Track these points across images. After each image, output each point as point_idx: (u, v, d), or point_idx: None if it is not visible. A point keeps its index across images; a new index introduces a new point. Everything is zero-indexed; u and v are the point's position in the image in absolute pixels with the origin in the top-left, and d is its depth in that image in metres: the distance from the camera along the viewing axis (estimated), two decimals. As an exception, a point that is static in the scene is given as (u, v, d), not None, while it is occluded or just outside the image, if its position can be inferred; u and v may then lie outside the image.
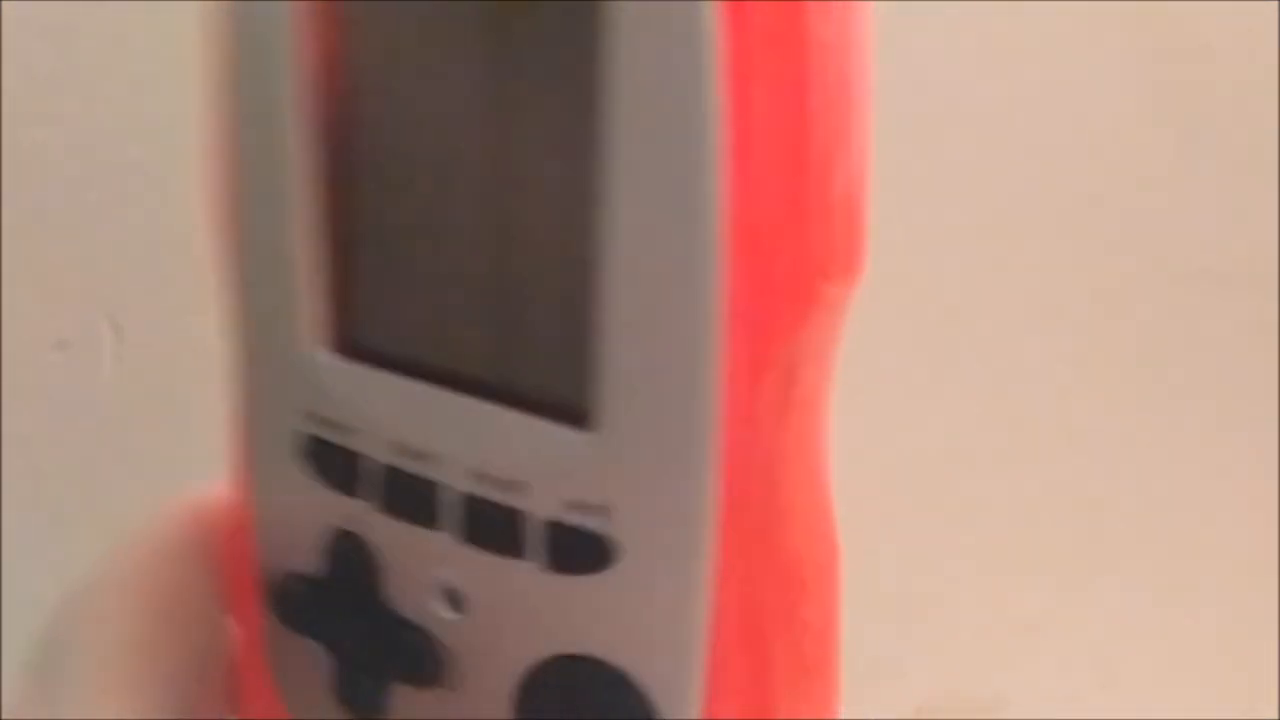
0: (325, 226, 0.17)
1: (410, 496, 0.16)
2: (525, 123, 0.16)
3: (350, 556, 0.17)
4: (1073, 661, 0.52)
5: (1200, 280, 0.54)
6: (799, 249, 0.15)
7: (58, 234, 0.44)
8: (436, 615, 0.17)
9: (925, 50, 0.53)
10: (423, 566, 0.17)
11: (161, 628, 0.20)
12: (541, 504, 0.16)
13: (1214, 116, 0.55)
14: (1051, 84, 0.54)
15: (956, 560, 0.51)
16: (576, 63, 0.15)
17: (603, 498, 0.15)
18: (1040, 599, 0.51)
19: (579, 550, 0.15)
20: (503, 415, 0.16)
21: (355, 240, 0.17)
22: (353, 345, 0.17)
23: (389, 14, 0.17)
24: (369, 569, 0.17)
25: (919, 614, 0.50)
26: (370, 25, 0.17)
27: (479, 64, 0.16)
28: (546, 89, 0.15)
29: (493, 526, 0.16)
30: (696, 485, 0.15)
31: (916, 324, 0.51)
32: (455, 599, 0.17)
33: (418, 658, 0.17)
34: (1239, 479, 0.54)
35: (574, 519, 0.15)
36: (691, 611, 0.15)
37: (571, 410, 0.15)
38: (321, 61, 0.17)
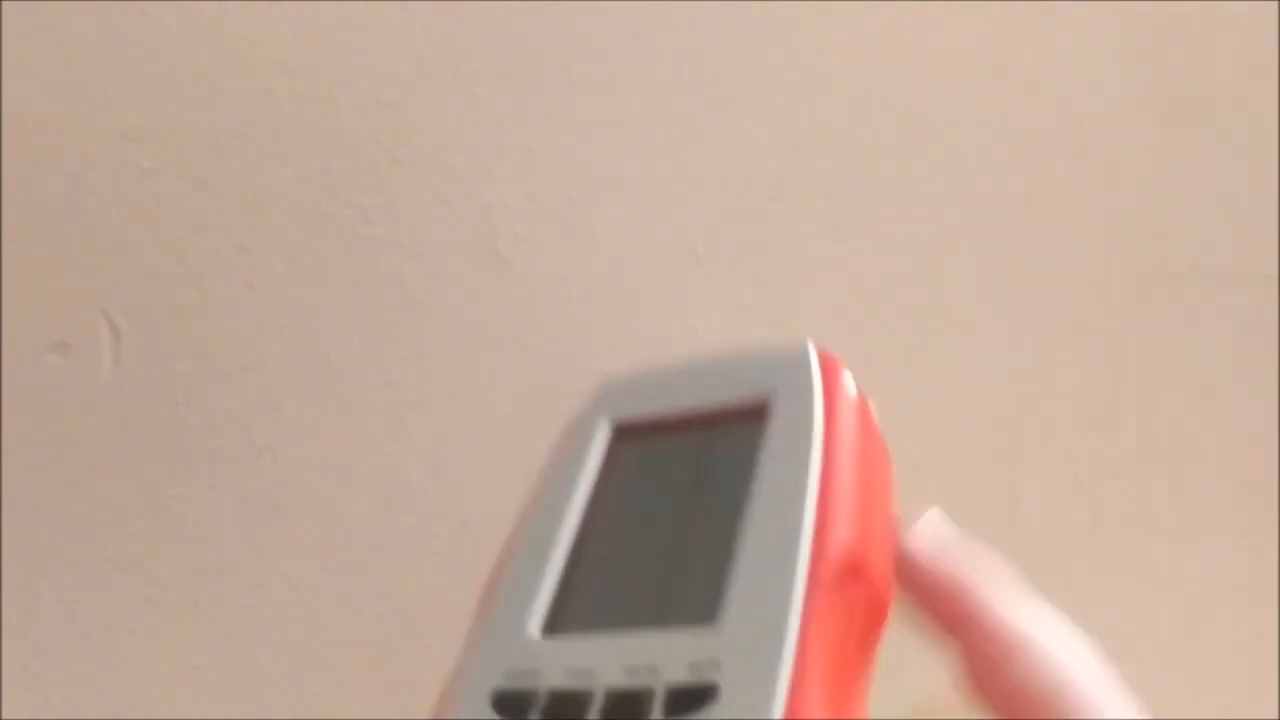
0: (564, 563, 0.28)
1: (568, 704, 0.24)
2: (707, 479, 0.28)
3: None
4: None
5: (1200, 280, 0.54)
6: (850, 541, 0.25)
7: (58, 235, 0.44)
8: None
9: (926, 51, 0.53)
10: None
11: None
12: (670, 674, 0.24)
13: (1214, 117, 0.55)
14: (1051, 84, 0.54)
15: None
16: (745, 448, 0.27)
17: (718, 655, 0.23)
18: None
19: (694, 695, 0.23)
20: (651, 632, 0.25)
21: (578, 570, 0.28)
22: (555, 627, 0.27)
23: (636, 450, 0.30)
24: None
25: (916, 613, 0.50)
26: (625, 453, 0.30)
27: (685, 463, 0.29)
28: (721, 465, 0.28)
29: (629, 704, 0.23)
30: (777, 654, 0.23)
31: (915, 323, 0.51)
32: None
33: None
34: (1239, 479, 0.54)
35: (692, 677, 0.23)
36: None
37: (702, 617, 0.24)
38: (596, 476, 0.30)
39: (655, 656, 0.24)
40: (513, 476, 0.48)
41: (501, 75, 0.48)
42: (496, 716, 0.25)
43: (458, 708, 0.26)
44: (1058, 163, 0.54)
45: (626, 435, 0.31)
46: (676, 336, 0.49)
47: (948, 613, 0.27)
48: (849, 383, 0.29)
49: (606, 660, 0.25)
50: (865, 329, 0.50)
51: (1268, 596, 0.53)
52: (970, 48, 0.53)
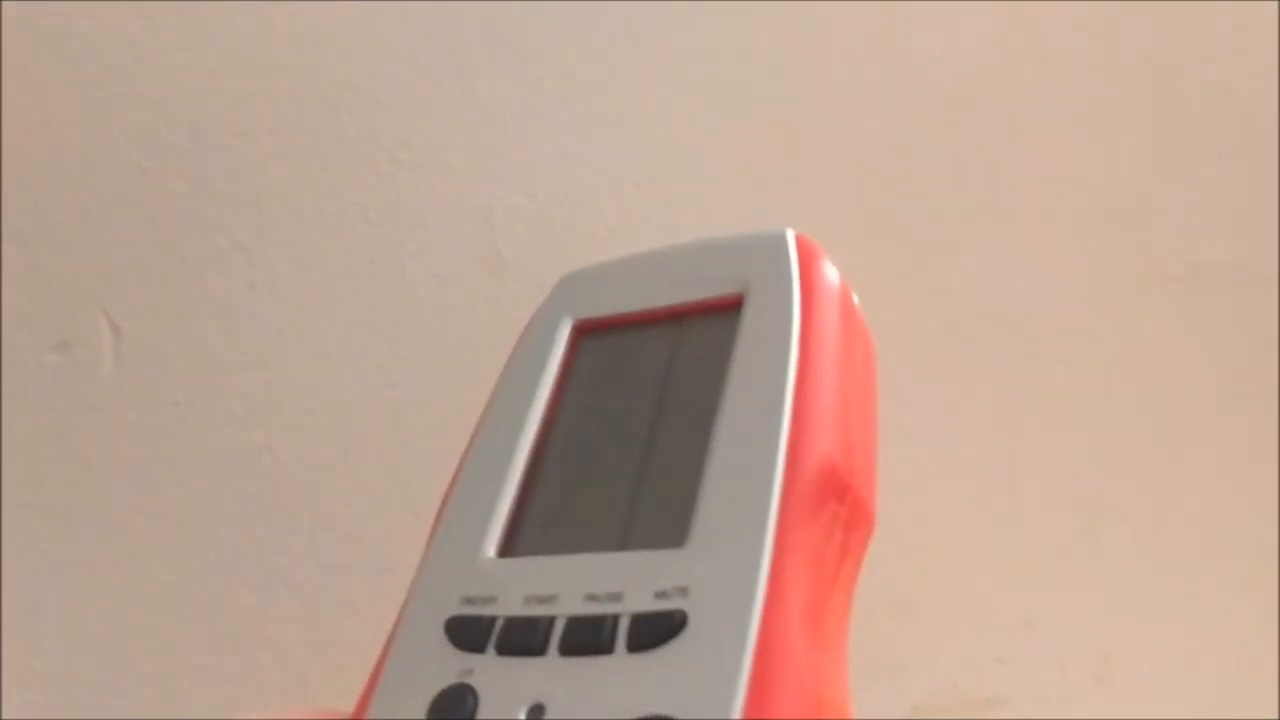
0: (521, 478, 0.26)
1: (527, 633, 0.22)
2: (676, 385, 0.26)
3: (454, 702, 0.22)
4: (1070, 661, 0.52)
5: (1200, 280, 0.54)
6: (829, 452, 0.23)
7: (58, 235, 0.44)
8: None
9: (926, 51, 0.53)
10: (517, 693, 0.22)
11: None
12: (635, 602, 0.22)
13: (1214, 117, 0.55)
14: (1050, 84, 0.54)
15: (955, 560, 0.51)
16: (717, 348, 0.25)
17: (686, 582, 0.22)
18: (1038, 599, 0.51)
19: (660, 625, 0.21)
20: (615, 555, 0.23)
21: (536, 485, 0.26)
22: (513, 549, 0.25)
23: (599, 352, 0.27)
24: (468, 711, 0.22)
25: (917, 613, 0.50)
26: (587, 355, 0.28)
27: (651, 366, 0.26)
28: (690, 368, 0.26)
29: (590, 633, 0.22)
30: (750, 580, 0.21)
31: (914, 323, 0.51)
32: (538, 713, 0.21)
33: None
34: (1239, 479, 0.54)
35: (659, 604, 0.22)
36: (737, 672, 0.20)
37: (670, 539, 0.22)
38: (556, 381, 0.27)
39: (619, 582, 0.22)
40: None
41: (501, 75, 0.48)
42: (451, 646, 0.23)
43: (410, 636, 0.25)
44: (1057, 163, 0.54)
45: (589, 335, 0.28)
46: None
47: None
48: (831, 272, 0.27)
49: (567, 586, 0.23)
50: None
51: (1268, 596, 0.53)
52: (968, 47, 0.53)
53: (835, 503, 0.23)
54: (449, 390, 0.47)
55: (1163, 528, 0.53)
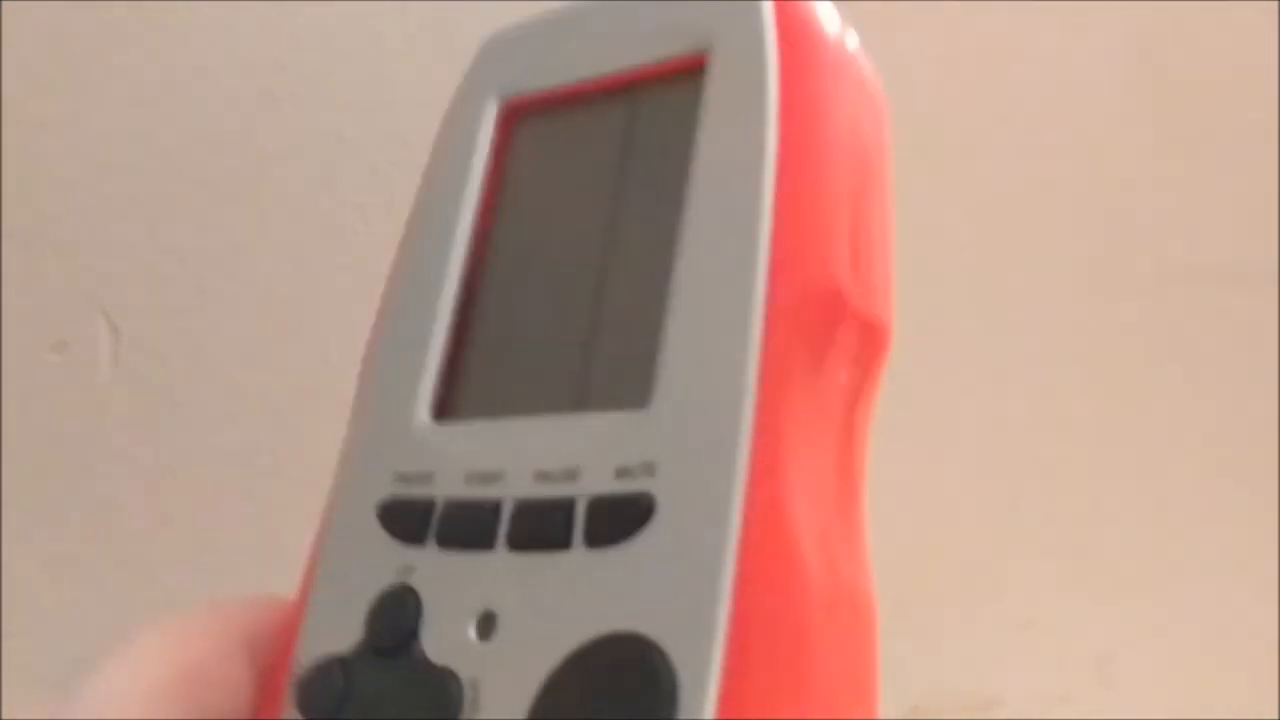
0: (452, 319, 0.21)
1: (470, 522, 0.19)
2: (629, 190, 0.20)
3: (394, 611, 0.19)
4: (1069, 660, 0.52)
5: (1200, 280, 0.54)
6: (827, 272, 0.18)
7: (58, 235, 0.44)
8: (466, 647, 0.18)
9: (925, 50, 0.53)
10: (463, 598, 0.18)
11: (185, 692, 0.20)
12: (592, 482, 0.18)
13: (1214, 117, 0.55)
14: (1050, 83, 0.54)
15: (953, 559, 0.51)
16: (674, 132, 0.19)
17: (652, 456, 0.17)
18: (1038, 599, 0.51)
19: (622, 514, 0.17)
20: (567, 419, 0.19)
21: (473, 326, 0.21)
22: (450, 410, 0.21)
23: (532, 142, 0.22)
24: (411, 620, 0.19)
25: (916, 612, 0.50)
26: (521, 147, 0.22)
27: (595, 158, 0.21)
28: (650, 159, 0.20)
29: (543, 522, 0.18)
30: (730, 448, 0.17)
31: (913, 322, 0.51)
32: (488, 624, 0.18)
33: (446, 700, 0.18)
34: (1239, 479, 0.54)
35: (621, 486, 0.17)
36: (718, 572, 0.16)
37: (630, 399, 0.18)
38: (485, 186, 0.22)
39: (576, 454, 0.18)
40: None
41: (501, 75, 0.48)
42: (387, 536, 0.20)
43: (343, 522, 0.21)
44: (1057, 163, 0.54)
45: (521, 119, 0.23)
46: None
47: None
48: (825, 19, 0.21)
49: (515, 459, 0.19)
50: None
51: (1268, 596, 0.53)
52: (968, 47, 0.53)
53: (839, 331, 0.18)
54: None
55: (1162, 528, 0.53)
